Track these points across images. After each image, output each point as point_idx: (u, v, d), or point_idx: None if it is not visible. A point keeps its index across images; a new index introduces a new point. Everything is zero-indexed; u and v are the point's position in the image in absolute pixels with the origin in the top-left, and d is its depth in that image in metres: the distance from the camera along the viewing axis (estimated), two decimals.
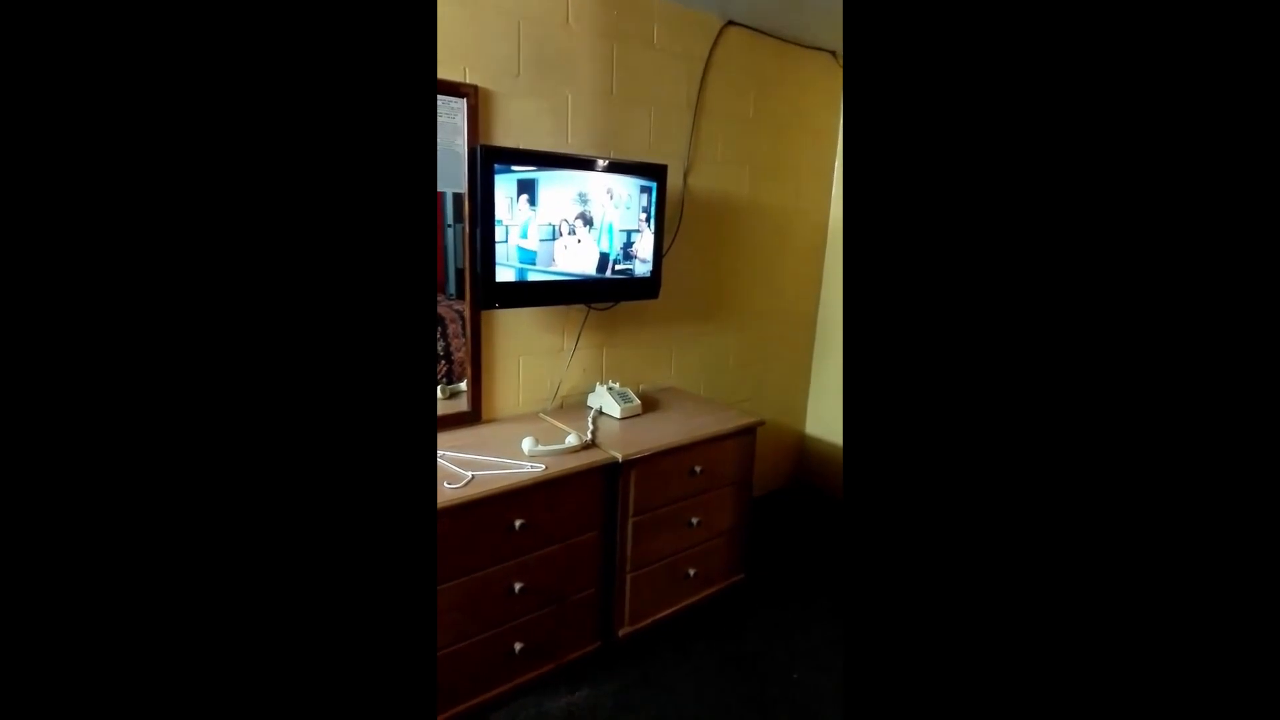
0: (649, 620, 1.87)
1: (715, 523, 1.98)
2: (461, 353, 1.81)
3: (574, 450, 1.66)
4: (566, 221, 1.77)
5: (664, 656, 1.81)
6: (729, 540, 2.04)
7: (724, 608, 2.04)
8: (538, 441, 1.63)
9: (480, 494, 1.42)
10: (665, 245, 2.06)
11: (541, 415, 1.95)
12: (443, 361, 1.84)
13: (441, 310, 1.85)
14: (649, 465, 1.73)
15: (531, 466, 1.55)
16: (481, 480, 1.47)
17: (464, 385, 1.83)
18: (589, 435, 1.75)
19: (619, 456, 1.66)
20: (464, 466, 1.53)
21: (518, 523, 1.50)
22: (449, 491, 1.40)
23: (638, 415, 1.97)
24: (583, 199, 1.79)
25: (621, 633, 1.81)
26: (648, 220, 1.94)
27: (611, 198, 1.85)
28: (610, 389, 1.98)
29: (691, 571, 1.94)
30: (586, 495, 1.64)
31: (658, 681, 1.72)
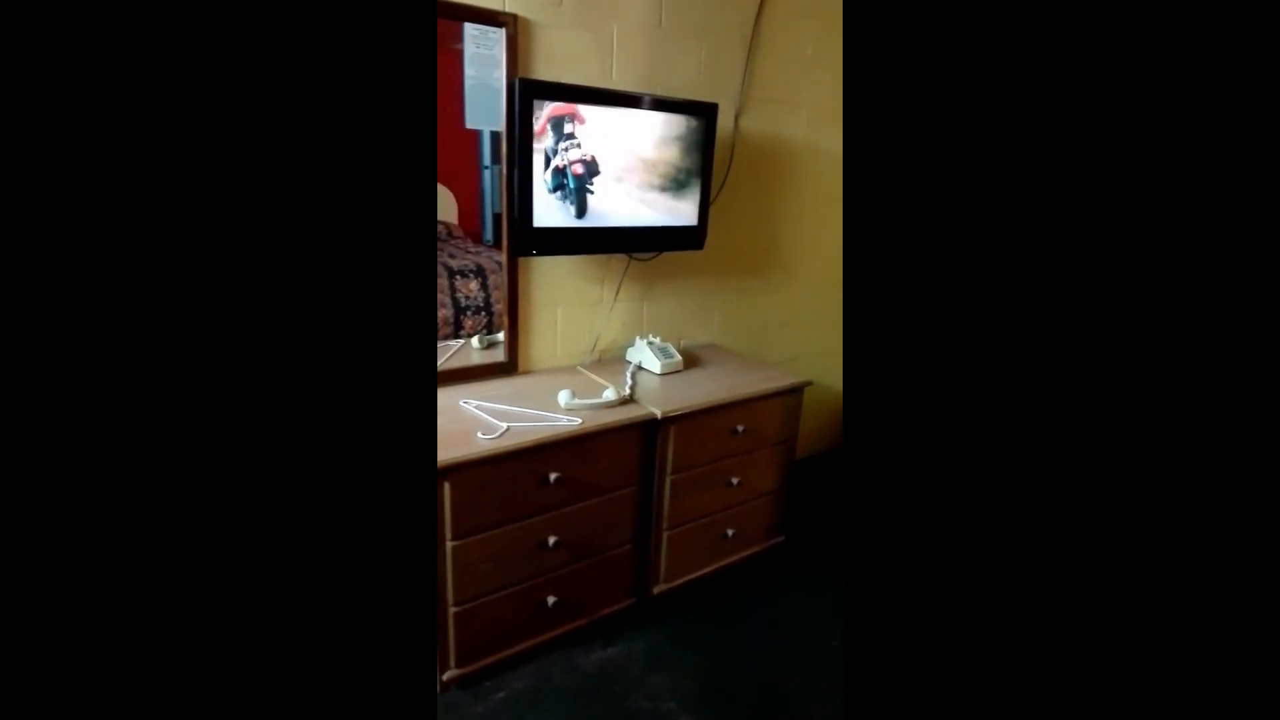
0: (684, 579, 1.84)
1: (756, 484, 1.91)
2: (501, 305, 1.75)
3: (611, 405, 1.60)
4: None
5: (698, 616, 1.78)
6: (770, 502, 1.97)
7: (762, 570, 1.99)
8: (574, 394, 1.58)
9: (514, 446, 1.37)
10: (713, 192, 1.95)
11: (579, 368, 1.89)
12: (482, 313, 1.78)
13: (482, 260, 1.78)
14: (689, 422, 1.66)
15: (568, 420, 1.49)
16: (516, 432, 1.42)
17: (502, 336, 1.78)
18: (627, 390, 1.69)
19: (658, 413, 1.59)
20: (499, 417, 1.48)
21: (552, 476, 1.46)
22: (483, 442, 1.36)
23: (679, 371, 1.90)
24: None
25: (656, 590, 1.78)
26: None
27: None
28: (650, 344, 1.91)
29: (730, 532, 1.89)
30: (623, 451, 1.59)
31: (691, 641, 1.69)
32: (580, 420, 1.50)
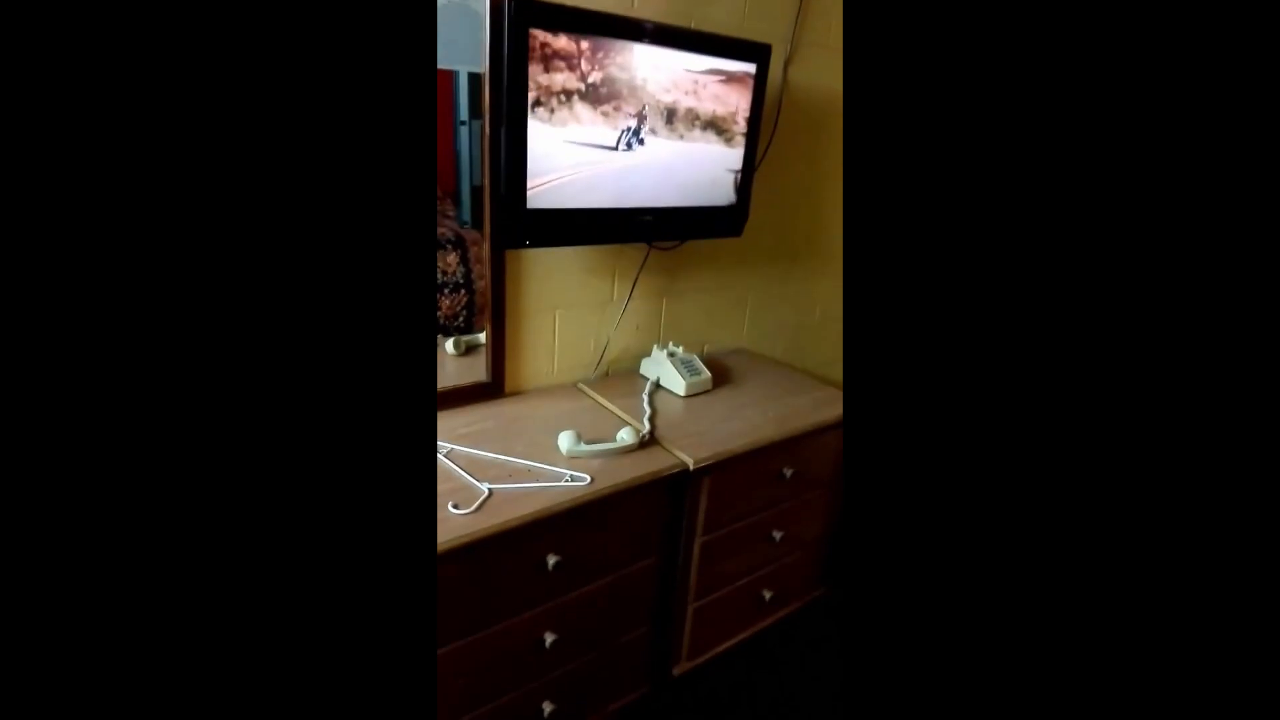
0: (709, 654, 1.48)
1: (801, 534, 1.54)
2: (484, 281, 1.32)
3: (629, 450, 1.20)
4: (629, 123, 1.23)
5: (727, 698, 1.43)
6: (813, 551, 1.61)
7: (802, 631, 1.64)
8: (580, 438, 1.17)
9: (500, 525, 0.98)
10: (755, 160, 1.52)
11: (581, 387, 1.48)
12: (462, 291, 1.36)
13: (463, 231, 1.35)
14: (727, 471, 1.27)
15: (572, 479, 1.09)
16: (503, 499, 1.03)
17: (484, 337, 1.36)
18: (647, 426, 1.29)
19: (689, 462, 1.20)
20: (478, 473, 1.08)
21: (552, 560, 1.07)
22: (457, 519, 0.96)
23: (707, 391, 1.50)
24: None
25: (677, 671, 1.42)
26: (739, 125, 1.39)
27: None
28: (672, 355, 1.50)
29: (767, 595, 1.53)
30: (645, 514, 1.20)
31: None
32: (589, 479, 1.10)
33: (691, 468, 1.20)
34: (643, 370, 1.56)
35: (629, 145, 1.22)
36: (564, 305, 1.44)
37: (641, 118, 1.22)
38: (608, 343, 1.54)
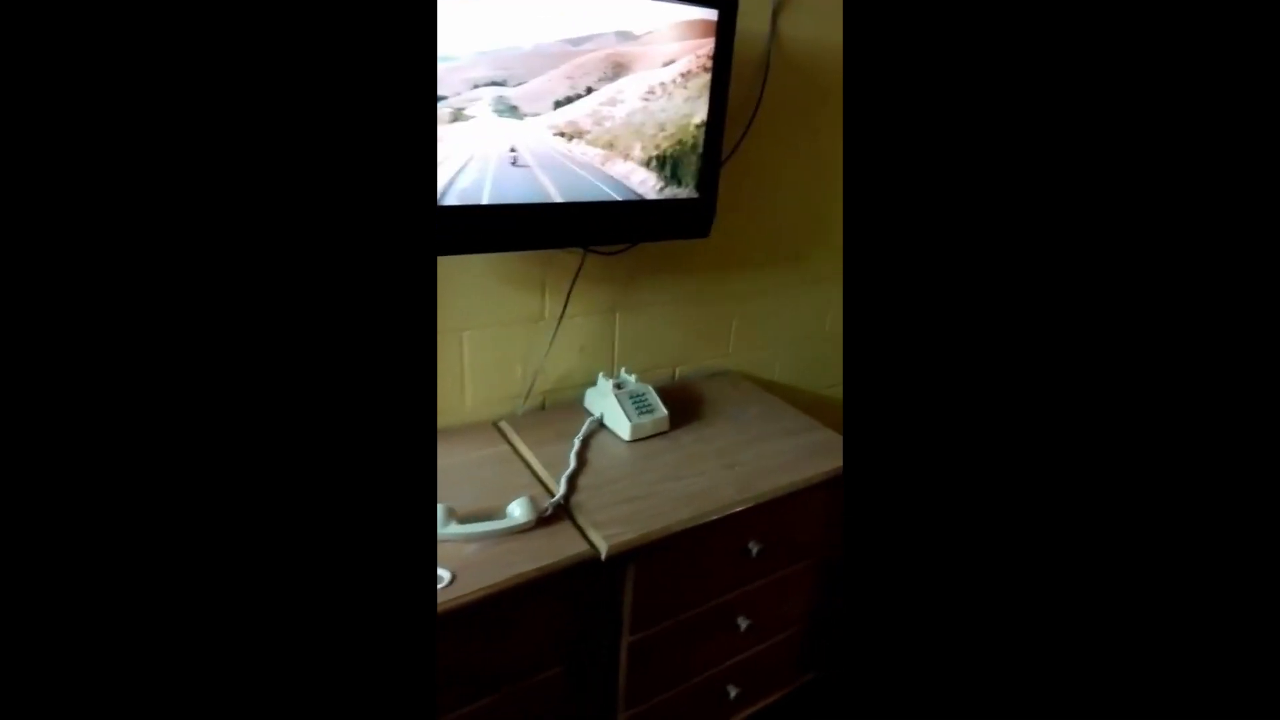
0: None
1: (778, 616, 1.22)
2: None
3: (522, 529, 0.90)
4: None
5: None
6: (797, 634, 1.28)
7: None
8: (452, 514, 0.89)
9: None
10: (732, 141, 1.18)
11: (502, 426, 1.19)
12: None
13: None
14: (662, 552, 0.96)
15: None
16: None
17: None
18: (561, 489, 0.99)
19: (602, 548, 0.89)
20: None
21: None
22: None
23: (663, 433, 1.18)
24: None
25: None
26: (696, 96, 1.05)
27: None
28: (620, 387, 1.19)
29: (733, 691, 1.21)
30: (535, 619, 0.91)
31: None
32: (448, 578, 0.81)
33: (604, 556, 0.89)
34: (586, 403, 1.25)
35: None
36: (474, 325, 1.15)
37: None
38: (540, 368, 1.24)
